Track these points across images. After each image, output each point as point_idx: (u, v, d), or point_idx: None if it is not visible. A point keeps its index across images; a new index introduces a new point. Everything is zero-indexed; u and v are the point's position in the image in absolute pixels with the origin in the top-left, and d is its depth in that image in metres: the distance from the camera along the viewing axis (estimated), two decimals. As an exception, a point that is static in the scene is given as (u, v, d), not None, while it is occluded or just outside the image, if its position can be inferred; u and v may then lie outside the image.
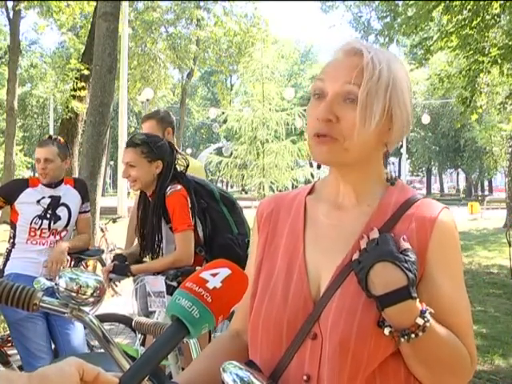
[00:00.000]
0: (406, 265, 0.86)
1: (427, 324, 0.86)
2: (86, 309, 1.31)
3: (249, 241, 2.77)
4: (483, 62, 8.02)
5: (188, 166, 2.76)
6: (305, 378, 0.93)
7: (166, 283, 2.52)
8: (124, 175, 2.67)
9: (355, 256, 0.92)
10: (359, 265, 0.90)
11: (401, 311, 0.86)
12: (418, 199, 1.00)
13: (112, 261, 2.70)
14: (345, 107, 0.94)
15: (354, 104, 0.93)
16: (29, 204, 2.89)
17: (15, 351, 2.91)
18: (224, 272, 0.79)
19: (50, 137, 3.09)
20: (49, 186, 2.97)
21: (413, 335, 0.86)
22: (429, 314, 0.87)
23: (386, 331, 0.87)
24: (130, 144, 2.66)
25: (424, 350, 0.89)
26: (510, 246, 7.77)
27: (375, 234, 0.93)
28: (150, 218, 2.65)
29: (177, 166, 2.72)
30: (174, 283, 2.48)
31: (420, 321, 0.86)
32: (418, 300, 0.87)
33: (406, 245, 0.91)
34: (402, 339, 0.87)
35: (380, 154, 1.02)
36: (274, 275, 1.02)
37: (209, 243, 2.69)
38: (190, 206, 2.59)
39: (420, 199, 1.00)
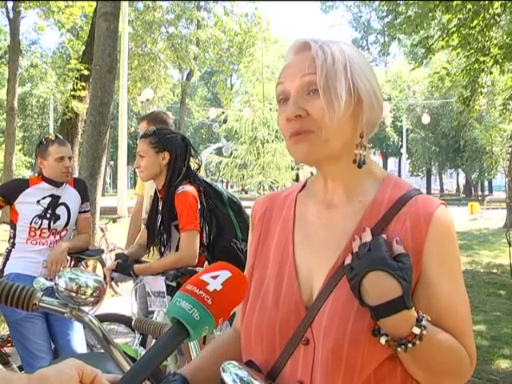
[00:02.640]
0: (400, 273, 0.83)
1: (424, 332, 0.83)
2: (86, 309, 1.31)
3: None
4: (484, 61, 8.01)
5: (200, 166, 2.76)
6: None
7: (165, 283, 2.52)
8: (135, 165, 2.74)
9: (347, 260, 0.89)
10: (351, 272, 0.86)
11: (396, 321, 0.83)
12: (412, 196, 0.95)
13: (115, 259, 2.70)
14: (310, 99, 0.92)
15: (318, 93, 0.91)
16: (29, 204, 2.89)
17: (15, 351, 2.91)
18: (224, 274, 0.79)
19: (57, 136, 3.04)
20: (54, 184, 2.97)
21: (410, 345, 0.83)
22: (425, 322, 0.84)
23: (382, 340, 0.85)
24: (142, 135, 2.72)
25: (422, 357, 0.87)
26: (510, 245, 7.77)
27: (368, 237, 0.89)
28: (160, 215, 2.67)
29: (191, 164, 2.71)
30: (174, 283, 2.48)
31: (417, 330, 0.83)
32: (413, 308, 0.85)
33: (399, 249, 0.87)
34: (399, 348, 0.84)
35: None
36: (266, 278, 1.00)
37: (212, 245, 2.68)
38: (199, 207, 2.59)
39: (415, 196, 0.95)
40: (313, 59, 0.92)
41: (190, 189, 2.58)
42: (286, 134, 0.96)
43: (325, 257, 0.95)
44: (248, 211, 3.23)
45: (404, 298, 0.82)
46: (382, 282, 0.83)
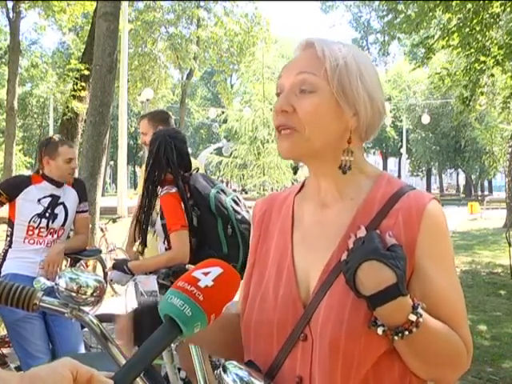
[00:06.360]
0: (393, 261, 0.84)
1: (420, 319, 0.84)
2: (86, 309, 1.31)
3: (235, 266, 2.49)
4: (485, 61, 8.01)
5: (190, 167, 2.72)
6: (297, 379, 0.92)
7: (158, 282, 2.51)
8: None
9: (343, 257, 0.90)
10: (346, 265, 0.88)
11: (392, 309, 0.84)
12: (405, 192, 0.96)
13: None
14: (301, 97, 0.95)
15: (307, 93, 0.94)
16: (29, 202, 2.88)
17: (13, 352, 2.90)
18: (216, 271, 0.79)
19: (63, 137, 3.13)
20: (56, 184, 2.97)
21: (406, 332, 0.84)
22: (421, 309, 0.85)
23: (380, 331, 0.85)
24: None
25: (419, 345, 0.87)
26: (510, 245, 7.77)
27: (362, 233, 0.91)
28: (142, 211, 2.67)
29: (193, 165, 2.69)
30: (167, 282, 2.46)
31: (413, 317, 0.84)
32: (408, 296, 0.85)
33: (392, 241, 0.89)
34: (396, 337, 0.85)
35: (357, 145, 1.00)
36: (265, 277, 1.02)
37: (194, 252, 2.54)
38: (183, 207, 2.55)
39: (407, 192, 0.96)
40: (317, 59, 0.95)
41: (172, 191, 2.55)
42: (275, 126, 0.99)
43: (320, 255, 0.96)
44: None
45: (399, 285, 0.83)
46: (375, 271, 0.84)
